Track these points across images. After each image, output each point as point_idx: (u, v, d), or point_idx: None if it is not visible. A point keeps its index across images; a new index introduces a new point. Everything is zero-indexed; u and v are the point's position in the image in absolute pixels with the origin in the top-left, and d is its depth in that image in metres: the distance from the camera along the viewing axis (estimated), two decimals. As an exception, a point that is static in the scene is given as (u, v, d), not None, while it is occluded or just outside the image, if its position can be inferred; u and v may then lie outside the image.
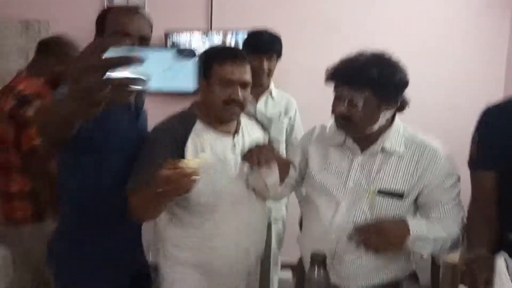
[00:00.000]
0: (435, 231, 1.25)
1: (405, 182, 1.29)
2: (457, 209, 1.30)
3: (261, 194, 1.46)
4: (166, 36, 2.90)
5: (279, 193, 1.52)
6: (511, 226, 1.25)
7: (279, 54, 2.10)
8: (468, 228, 1.31)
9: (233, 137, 1.45)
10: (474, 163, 1.34)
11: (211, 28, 2.97)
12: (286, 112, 2.19)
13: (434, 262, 1.68)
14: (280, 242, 2.26)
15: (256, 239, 1.51)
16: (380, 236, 1.22)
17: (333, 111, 1.30)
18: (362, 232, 1.24)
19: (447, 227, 1.28)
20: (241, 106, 1.39)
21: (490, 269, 1.07)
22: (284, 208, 2.26)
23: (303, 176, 1.50)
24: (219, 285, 1.44)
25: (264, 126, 1.63)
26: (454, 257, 2.24)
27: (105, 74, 0.63)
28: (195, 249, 1.42)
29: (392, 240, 1.23)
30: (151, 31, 1.40)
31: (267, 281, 1.65)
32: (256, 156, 1.28)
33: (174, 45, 2.91)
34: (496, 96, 1.45)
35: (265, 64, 2.04)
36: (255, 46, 2.02)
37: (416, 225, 1.24)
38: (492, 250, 1.19)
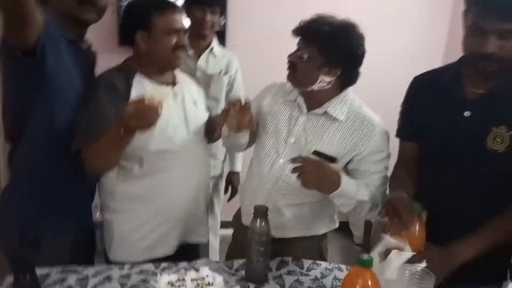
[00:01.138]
0: (361, 194, 1.31)
1: (339, 148, 1.35)
2: (381, 181, 1.37)
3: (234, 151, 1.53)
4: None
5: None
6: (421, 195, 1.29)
7: (222, 8, 2.12)
8: (391, 181, 1.40)
9: (173, 87, 1.48)
10: (396, 131, 1.45)
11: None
12: (227, 70, 2.19)
13: (367, 220, 1.77)
14: (218, 197, 2.32)
15: (202, 187, 1.59)
16: (316, 171, 1.26)
17: (287, 57, 1.36)
18: (304, 160, 1.26)
19: (370, 193, 1.34)
20: (185, 50, 1.46)
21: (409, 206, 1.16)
22: (222, 165, 2.30)
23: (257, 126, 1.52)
24: (164, 222, 1.49)
25: (193, 76, 1.69)
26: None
27: None
28: (147, 199, 1.46)
29: (324, 182, 1.27)
30: None
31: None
32: (235, 120, 1.29)
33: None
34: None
35: (208, 16, 2.04)
36: None
37: (348, 182, 1.30)
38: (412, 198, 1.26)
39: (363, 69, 1.36)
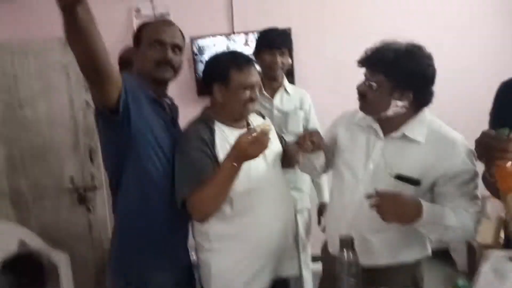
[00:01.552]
0: (448, 220, 1.26)
1: (422, 170, 1.31)
2: (471, 203, 1.30)
3: (312, 175, 1.59)
4: (192, 41, 3.03)
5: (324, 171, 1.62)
6: None
7: (290, 49, 2.22)
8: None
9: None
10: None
11: (233, 31, 3.08)
12: (301, 106, 2.29)
13: (470, 245, 1.66)
14: (307, 230, 2.32)
15: (289, 220, 1.63)
16: (394, 205, 1.24)
17: (356, 88, 1.39)
18: (380, 195, 1.26)
19: (461, 218, 1.28)
20: (256, 102, 1.57)
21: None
22: (308, 199, 2.31)
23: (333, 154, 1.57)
24: (258, 258, 1.54)
25: (262, 115, 1.77)
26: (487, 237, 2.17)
27: None
28: (240, 238, 1.53)
29: (403, 213, 1.25)
30: (184, 41, 1.56)
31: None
32: (308, 143, 1.39)
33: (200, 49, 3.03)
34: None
35: (278, 59, 2.15)
36: (268, 43, 2.14)
37: (430, 209, 1.26)
38: None
39: (438, 87, 1.34)
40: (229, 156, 1.37)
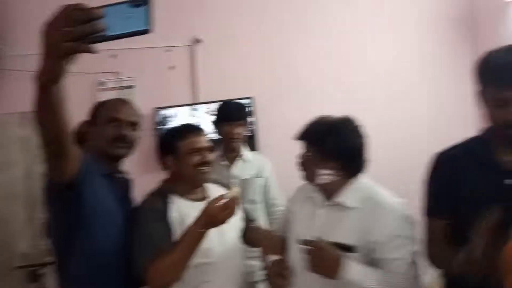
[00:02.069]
0: (370, 281, 1.27)
1: (357, 236, 1.34)
2: (405, 268, 1.31)
3: None
4: (155, 111, 3.09)
5: None
6: None
7: (245, 120, 2.37)
8: (435, 261, 1.33)
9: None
10: (426, 210, 1.39)
11: (197, 101, 3.17)
12: (260, 174, 2.36)
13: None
14: None
15: None
16: (317, 256, 1.29)
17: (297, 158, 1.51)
18: (310, 244, 1.31)
19: (390, 282, 1.28)
20: (210, 166, 1.61)
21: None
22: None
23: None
24: None
25: (225, 185, 1.77)
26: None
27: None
28: None
29: (322, 267, 1.29)
30: (139, 117, 1.62)
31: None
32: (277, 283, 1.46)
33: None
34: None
35: (236, 129, 2.28)
36: (226, 115, 2.30)
37: (352, 269, 1.27)
38: None
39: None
40: (197, 222, 1.38)
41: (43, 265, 2.46)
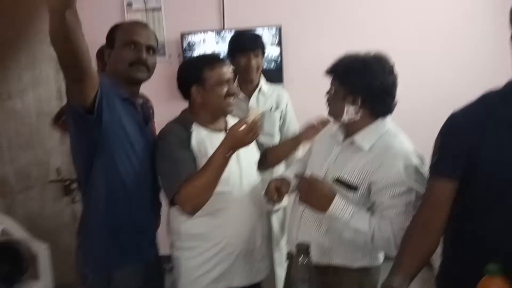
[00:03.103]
0: (358, 222, 1.29)
1: (361, 177, 1.35)
2: (398, 218, 1.27)
3: None
4: (182, 37, 3.05)
5: None
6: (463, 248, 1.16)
7: (263, 51, 2.24)
8: (404, 234, 1.19)
9: (225, 132, 1.60)
10: (431, 168, 1.20)
11: (223, 28, 3.09)
12: (277, 106, 2.31)
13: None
14: (282, 229, 2.35)
15: (260, 223, 1.68)
16: (308, 187, 1.34)
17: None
18: (301, 180, 1.38)
19: (379, 227, 1.28)
20: (236, 96, 1.65)
21: None
22: (285, 198, 2.32)
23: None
24: (226, 258, 1.59)
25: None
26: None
27: None
28: (209, 237, 1.59)
29: (314, 198, 1.33)
30: (157, 42, 1.61)
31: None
32: (272, 195, 1.57)
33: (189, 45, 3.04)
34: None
35: (253, 61, 2.19)
36: (241, 45, 2.19)
37: (340, 205, 1.30)
38: (423, 264, 1.12)
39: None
40: (223, 145, 1.41)
41: (75, 180, 2.62)
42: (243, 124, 1.40)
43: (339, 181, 1.38)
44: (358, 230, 1.30)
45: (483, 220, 1.12)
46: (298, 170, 1.65)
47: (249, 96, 2.28)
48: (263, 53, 2.24)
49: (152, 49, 1.55)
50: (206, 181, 1.42)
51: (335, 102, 1.42)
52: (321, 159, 1.49)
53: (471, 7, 3.03)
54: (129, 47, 1.50)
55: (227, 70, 1.59)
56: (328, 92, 1.46)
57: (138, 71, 1.52)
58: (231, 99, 1.60)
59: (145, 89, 1.67)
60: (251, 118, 1.41)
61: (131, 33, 1.52)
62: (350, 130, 1.43)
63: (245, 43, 2.19)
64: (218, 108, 1.60)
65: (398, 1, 3.06)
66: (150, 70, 1.56)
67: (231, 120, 1.72)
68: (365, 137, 1.39)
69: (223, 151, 1.41)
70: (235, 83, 2.22)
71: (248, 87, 2.28)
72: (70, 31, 1.10)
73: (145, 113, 1.63)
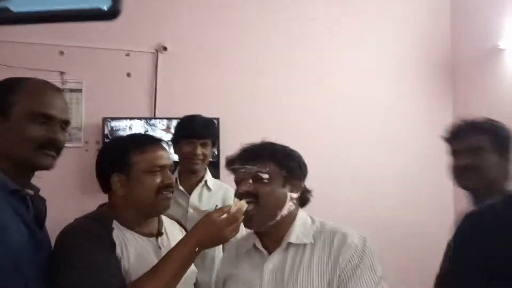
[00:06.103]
0: None
1: (322, 275, 1.15)
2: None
3: None
4: (104, 121, 2.71)
5: None
6: None
7: (214, 140, 2.03)
8: None
9: (157, 238, 1.27)
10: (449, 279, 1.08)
11: (154, 116, 2.80)
12: (223, 205, 1.97)
13: None
14: None
15: None
16: None
17: (236, 195, 1.21)
18: None
19: None
20: (172, 189, 1.29)
21: None
22: None
23: None
24: None
25: (184, 227, 1.45)
26: None
27: None
28: None
29: None
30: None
31: None
32: None
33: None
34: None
35: (199, 150, 1.91)
36: (189, 131, 1.94)
37: None
38: None
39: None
40: (192, 236, 1.15)
41: None
42: (224, 213, 1.14)
43: None
44: None
45: None
46: None
47: (189, 191, 1.95)
48: (214, 143, 1.99)
49: (67, 124, 1.17)
50: (162, 286, 1.10)
51: (272, 189, 1.23)
52: (251, 283, 1.22)
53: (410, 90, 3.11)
54: (37, 121, 1.10)
55: (163, 155, 1.25)
56: (241, 183, 1.25)
57: (46, 156, 1.11)
58: (167, 193, 1.24)
59: (49, 180, 1.25)
60: (234, 208, 1.15)
61: (43, 103, 1.12)
62: (272, 236, 1.24)
63: (194, 129, 1.92)
64: (146, 205, 1.22)
65: (337, 101, 3.06)
66: (58, 155, 1.16)
67: (169, 224, 1.35)
68: (298, 234, 1.22)
69: (191, 243, 1.13)
70: (175, 174, 1.89)
71: (190, 179, 1.96)
72: None
73: (39, 210, 1.17)
